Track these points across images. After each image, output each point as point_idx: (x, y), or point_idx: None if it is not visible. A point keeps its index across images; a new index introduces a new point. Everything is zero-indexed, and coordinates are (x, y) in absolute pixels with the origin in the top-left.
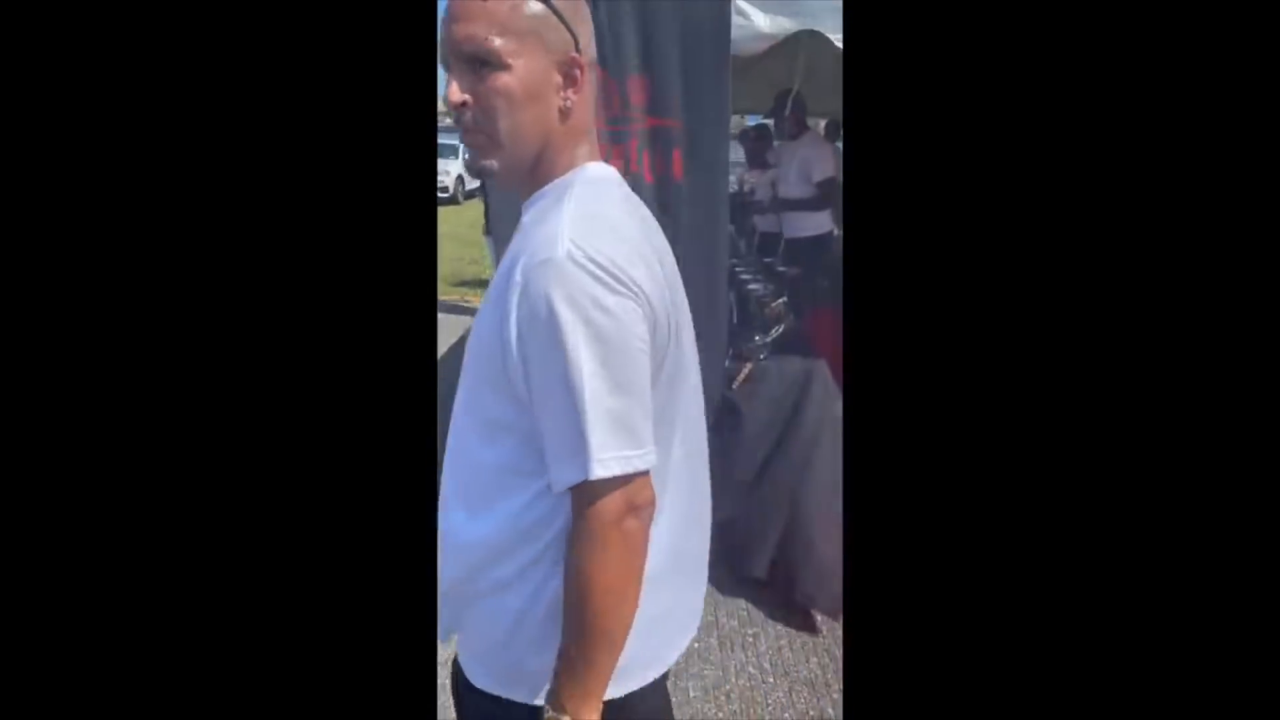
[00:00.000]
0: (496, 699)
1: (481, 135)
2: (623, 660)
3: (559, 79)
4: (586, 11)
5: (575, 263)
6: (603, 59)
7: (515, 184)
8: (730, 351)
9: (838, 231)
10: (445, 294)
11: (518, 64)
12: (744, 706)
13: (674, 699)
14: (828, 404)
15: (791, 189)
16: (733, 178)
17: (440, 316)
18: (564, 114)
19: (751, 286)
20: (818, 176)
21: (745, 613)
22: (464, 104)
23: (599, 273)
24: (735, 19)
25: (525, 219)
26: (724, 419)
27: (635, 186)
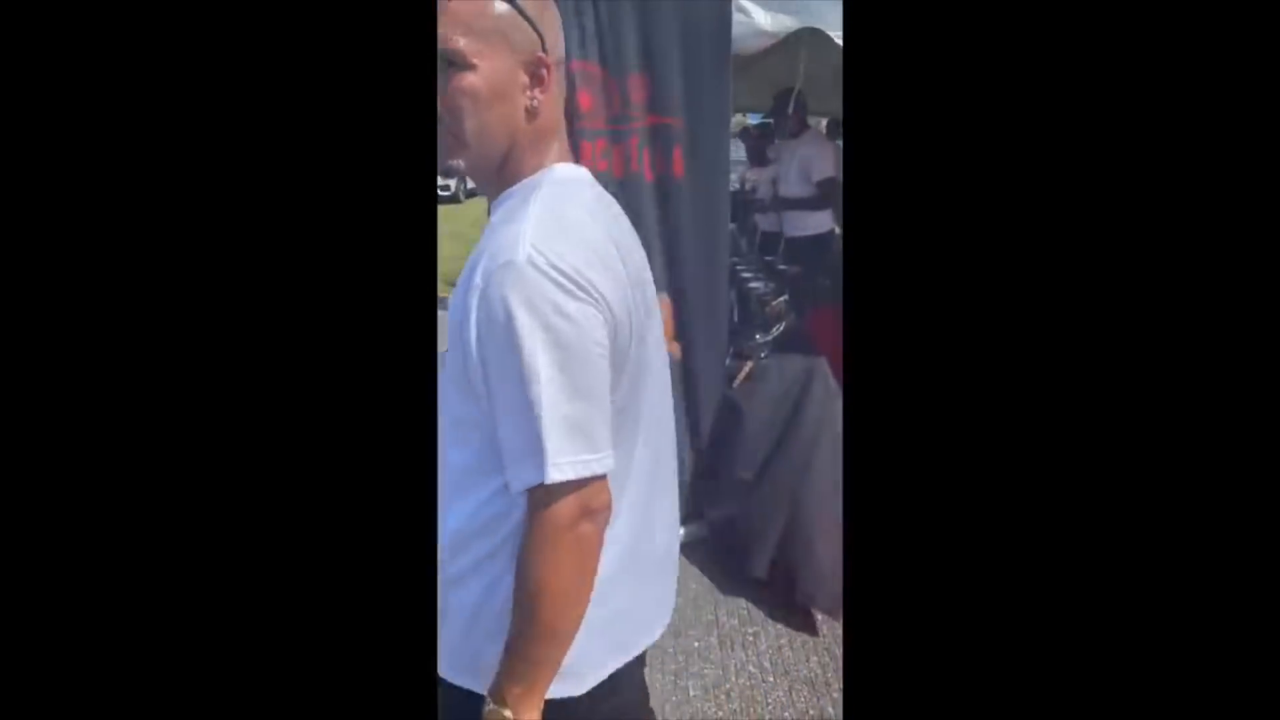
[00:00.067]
0: (455, 687)
1: (448, 135)
2: (580, 658)
3: (525, 79)
4: (555, 12)
5: (536, 267)
6: (603, 57)
7: (483, 183)
8: (731, 350)
9: (839, 230)
10: (445, 293)
11: (483, 64)
12: (744, 705)
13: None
14: (828, 403)
15: (792, 188)
16: (734, 176)
17: (440, 315)
18: (531, 114)
19: (752, 285)
20: (817, 176)
21: (745, 612)
22: None
23: (559, 278)
24: (736, 16)
25: (493, 219)
26: (725, 418)
27: (636, 184)
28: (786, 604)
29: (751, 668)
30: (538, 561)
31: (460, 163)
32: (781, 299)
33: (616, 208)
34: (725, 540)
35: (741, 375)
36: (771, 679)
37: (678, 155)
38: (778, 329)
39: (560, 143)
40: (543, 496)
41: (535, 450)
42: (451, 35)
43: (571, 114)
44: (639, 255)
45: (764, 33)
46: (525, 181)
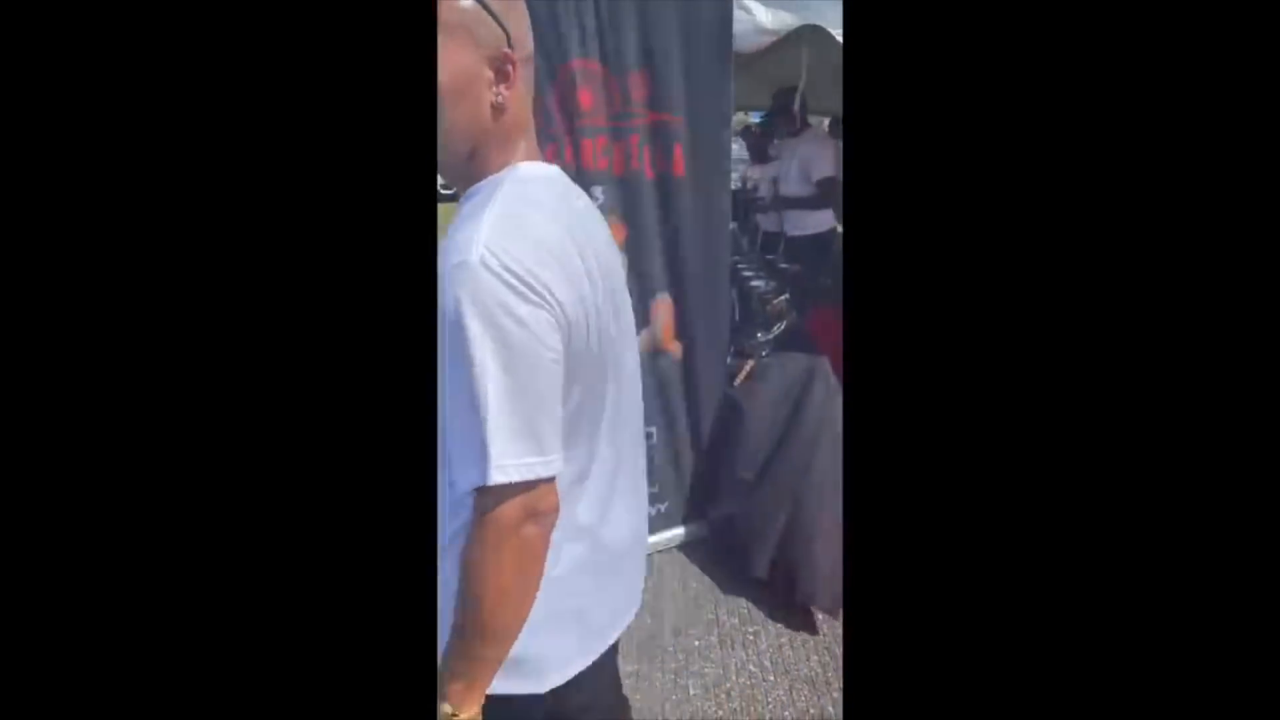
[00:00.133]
0: None
1: None
2: (544, 655)
3: (490, 74)
4: (523, 7)
5: (489, 269)
6: (604, 54)
7: (451, 180)
8: (732, 349)
9: (840, 229)
10: None
11: (445, 59)
12: (744, 704)
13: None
14: (829, 402)
15: (792, 187)
16: (735, 174)
17: None
18: (497, 110)
19: (754, 283)
20: (817, 175)
21: (746, 610)
22: None
23: (511, 280)
24: (737, 13)
25: (457, 217)
26: (725, 417)
27: (636, 182)
28: (787, 603)
29: (752, 666)
30: (481, 561)
31: None
32: (783, 298)
33: (585, 204)
34: (726, 539)
35: (742, 374)
36: (772, 678)
37: (678, 153)
38: (779, 328)
39: (528, 140)
40: (487, 498)
41: (480, 452)
42: None
43: (572, 111)
44: (609, 253)
45: (765, 30)
46: (490, 179)
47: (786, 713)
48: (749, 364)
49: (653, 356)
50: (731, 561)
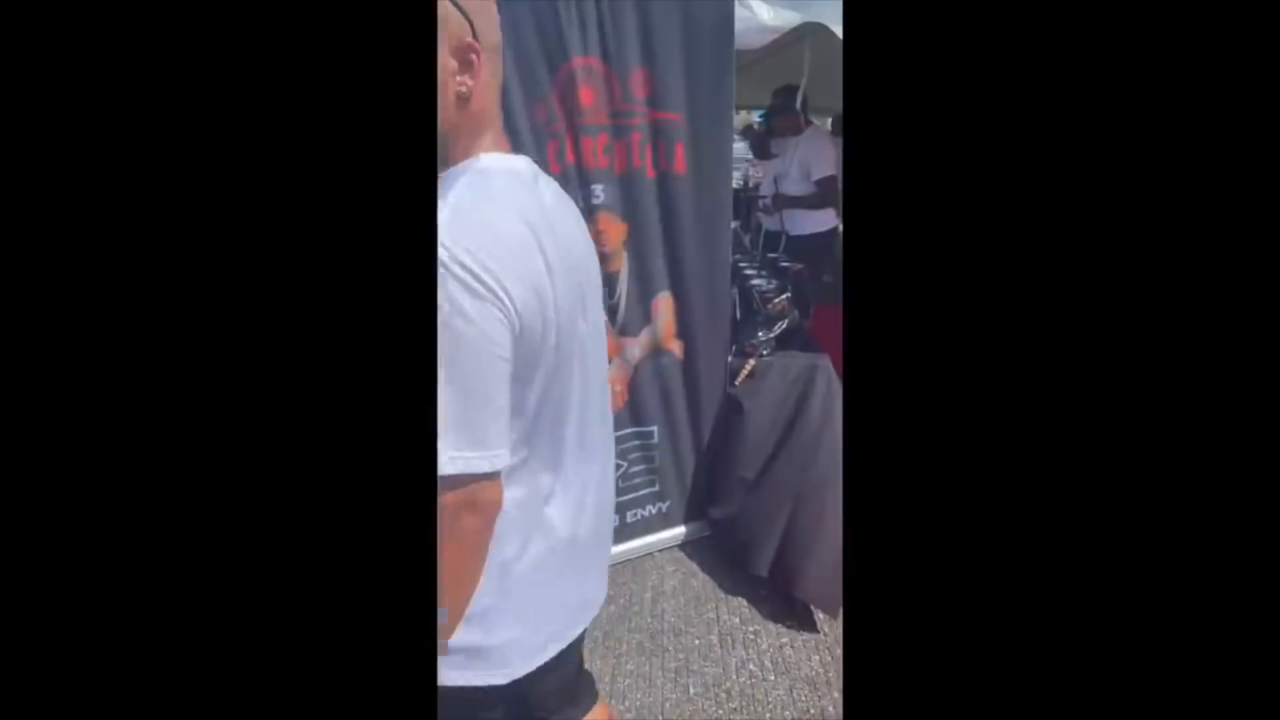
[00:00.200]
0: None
1: None
2: (511, 646)
3: (454, 64)
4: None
5: (440, 263)
6: (605, 52)
7: None
8: (733, 347)
9: (841, 228)
10: None
11: None
12: (744, 704)
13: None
14: (831, 401)
15: (792, 186)
16: (736, 172)
17: None
18: (461, 100)
19: (755, 282)
20: (817, 174)
21: (746, 610)
22: None
23: (461, 274)
24: (738, 11)
25: None
26: (727, 416)
27: (638, 180)
28: (788, 602)
29: (752, 666)
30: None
31: None
32: (784, 296)
33: (554, 197)
34: (726, 538)
35: (744, 373)
36: (772, 677)
37: (680, 151)
38: (780, 326)
39: (495, 131)
40: None
41: None
42: None
43: (573, 109)
44: (580, 247)
45: (767, 28)
46: (452, 170)
47: (786, 713)
48: (750, 363)
49: (654, 355)
50: (732, 560)
